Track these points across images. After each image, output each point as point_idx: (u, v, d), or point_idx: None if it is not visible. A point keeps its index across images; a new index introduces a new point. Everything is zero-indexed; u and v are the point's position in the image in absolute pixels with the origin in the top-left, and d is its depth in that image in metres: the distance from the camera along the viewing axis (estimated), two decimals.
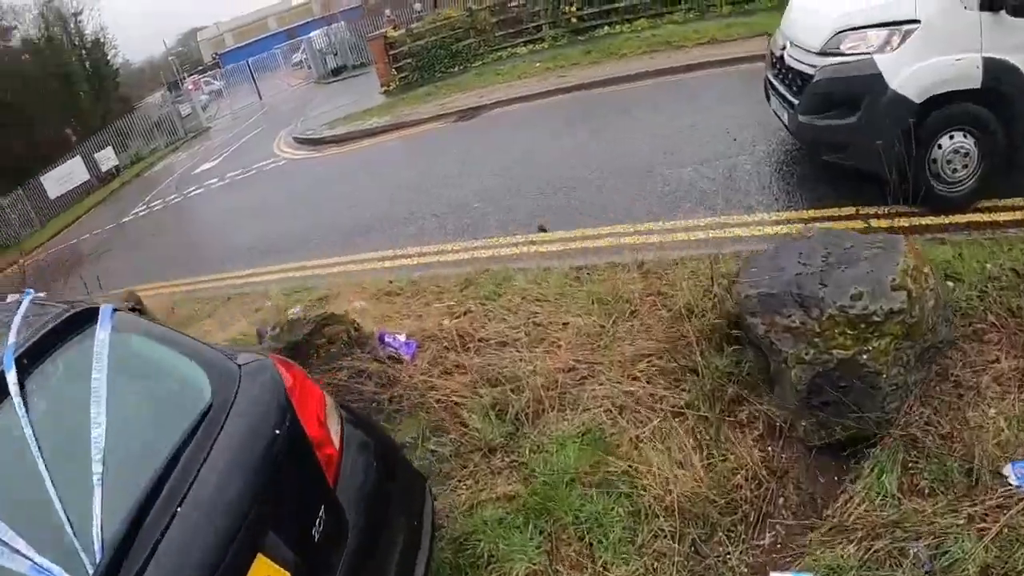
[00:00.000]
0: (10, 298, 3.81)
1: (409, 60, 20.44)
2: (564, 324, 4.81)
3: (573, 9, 18.36)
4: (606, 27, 17.81)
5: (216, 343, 3.56)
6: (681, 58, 13.07)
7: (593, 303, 4.95)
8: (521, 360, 4.50)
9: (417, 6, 29.01)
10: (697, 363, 3.84)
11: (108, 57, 44.41)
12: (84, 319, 2.77)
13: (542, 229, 7.07)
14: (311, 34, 37.11)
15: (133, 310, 8.90)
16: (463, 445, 4.10)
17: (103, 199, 31.43)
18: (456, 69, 19.68)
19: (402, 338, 5.25)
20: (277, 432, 2.69)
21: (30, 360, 2.61)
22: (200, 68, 62.23)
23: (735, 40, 13.12)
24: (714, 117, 9.01)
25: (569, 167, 8.90)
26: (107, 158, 35.60)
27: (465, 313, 5.52)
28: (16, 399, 2.49)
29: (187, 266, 12.60)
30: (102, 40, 43.81)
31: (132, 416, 2.64)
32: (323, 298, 7.22)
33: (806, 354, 3.28)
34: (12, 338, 2.73)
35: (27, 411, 2.46)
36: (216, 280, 10.77)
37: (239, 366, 2.87)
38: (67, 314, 2.77)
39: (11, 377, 2.52)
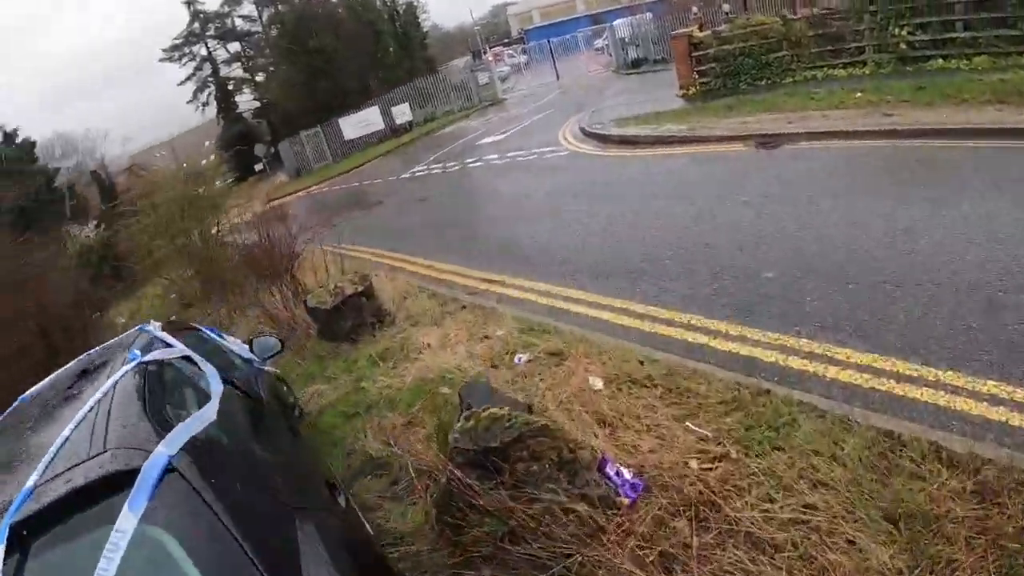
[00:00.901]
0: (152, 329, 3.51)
1: (713, 65, 18.53)
2: (848, 544, 3.25)
3: (904, 33, 15.37)
4: (939, 59, 14.72)
5: None
6: None
7: (897, 520, 3.31)
8: None
9: (726, 7, 27.02)
10: None
11: (419, 20, 47.24)
12: (121, 480, 2.21)
13: None
14: (616, 22, 35.96)
15: (360, 295, 8.81)
16: None
17: (391, 150, 33.39)
18: (764, 83, 17.50)
19: (628, 474, 3.98)
20: None
21: (32, 532, 2.11)
22: (505, 41, 63.91)
23: None
24: None
25: (885, 251, 6.65)
26: (403, 113, 37.54)
27: (721, 458, 4.10)
28: None
29: (439, 244, 12.39)
30: (414, 4, 47.31)
31: None
32: (556, 354, 6.20)
33: None
34: (32, 479, 2.26)
35: None
36: (463, 275, 10.19)
37: None
38: (102, 471, 2.27)
39: None
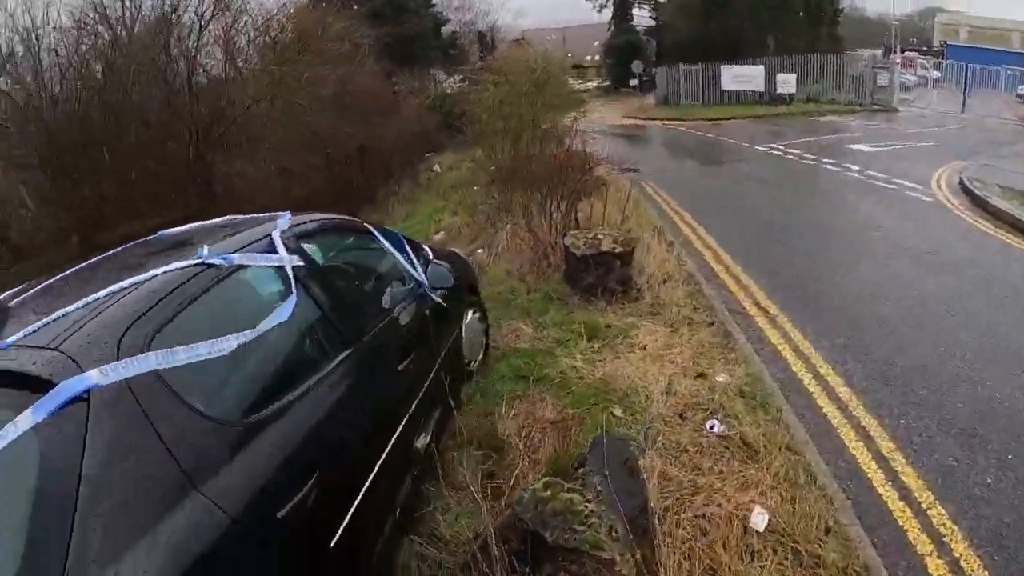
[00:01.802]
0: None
1: None
2: None
3: None
4: None
5: None
6: None
7: None
8: None
9: None
10: None
11: None
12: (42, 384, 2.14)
13: None
14: None
15: (616, 256, 7.70)
16: None
17: (760, 116, 31.85)
18: None
19: None
20: None
21: None
22: (923, 48, 57.23)
23: None
24: None
25: None
26: (786, 83, 35.22)
27: None
28: None
29: (745, 235, 11.03)
30: None
31: None
32: (750, 448, 4.69)
33: None
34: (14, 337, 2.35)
35: None
36: (740, 282, 8.70)
37: None
38: (31, 365, 2.21)
39: None
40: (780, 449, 4.62)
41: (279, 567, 2.54)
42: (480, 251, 10.53)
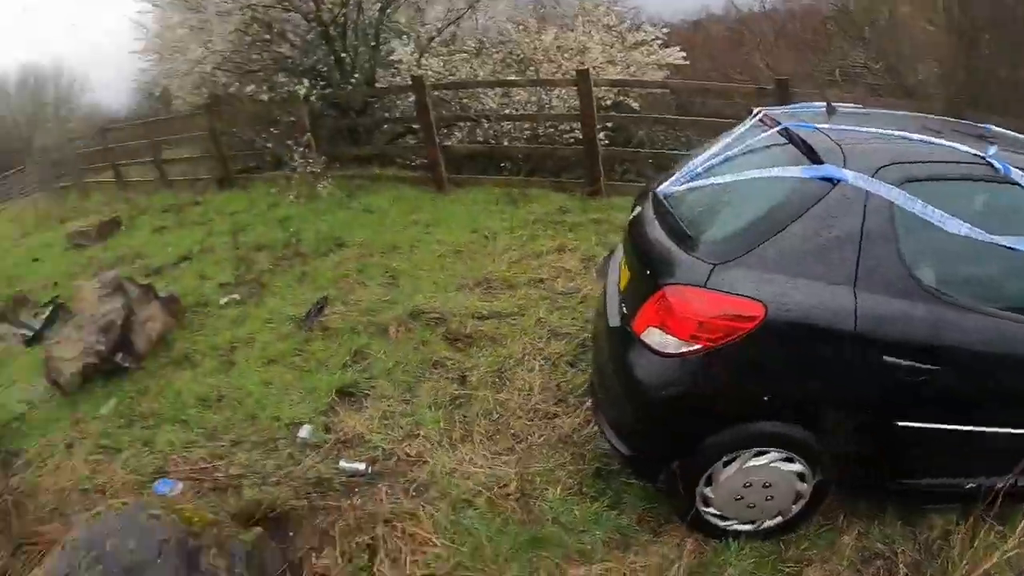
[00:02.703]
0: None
1: None
2: None
3: None
4: None
5: None
6: None
7: None
8: None
9: None
10: None
11: None
12: (817, 158, 3.04)
13: None
14: None
15: None
16: None
17: None
18: None
19: None
20: None
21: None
22: None
23: None
24: None
25: None
26: None
27: None
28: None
29: None
30: None
31: None
32: None
33: None
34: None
35: None
36: None
37: None
38: (821, 144, 3.08)
39: None
40: None
41: (850, 388, 2.93)
42: None
